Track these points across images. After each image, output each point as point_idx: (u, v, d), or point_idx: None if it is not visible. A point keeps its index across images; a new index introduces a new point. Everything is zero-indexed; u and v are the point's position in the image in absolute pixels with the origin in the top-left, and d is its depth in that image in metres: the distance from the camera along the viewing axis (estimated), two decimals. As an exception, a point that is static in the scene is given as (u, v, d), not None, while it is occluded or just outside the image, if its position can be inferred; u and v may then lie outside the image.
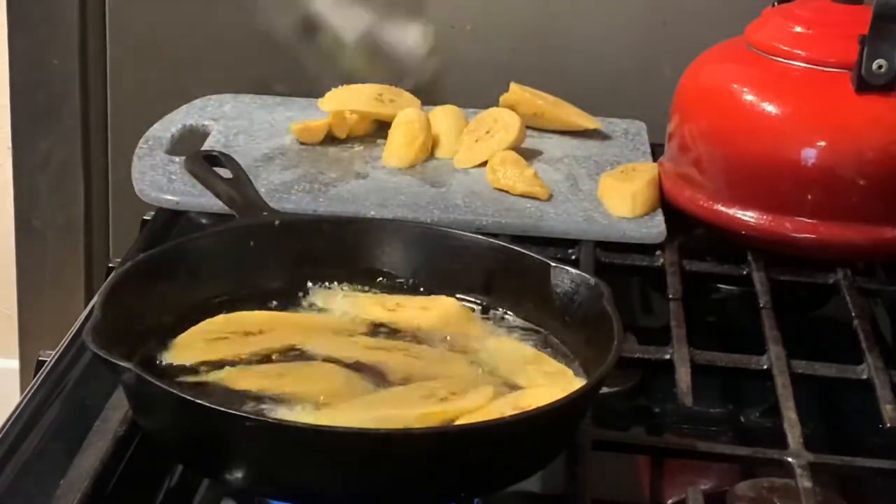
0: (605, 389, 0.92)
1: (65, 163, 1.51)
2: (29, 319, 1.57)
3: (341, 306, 0.96)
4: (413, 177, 1.23)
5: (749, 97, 1.14)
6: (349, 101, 1.30)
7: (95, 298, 0.86)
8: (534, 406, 0.81)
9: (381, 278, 0.98)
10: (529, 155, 1.27)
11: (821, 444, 0.91)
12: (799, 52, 1.14)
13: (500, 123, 1.27)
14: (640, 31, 1.44)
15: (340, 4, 1.45)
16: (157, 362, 0.87)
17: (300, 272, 0.97)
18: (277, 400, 0.84)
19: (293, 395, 0.84)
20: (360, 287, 0.98)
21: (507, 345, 0.93)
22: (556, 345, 0.92)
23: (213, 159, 1.07)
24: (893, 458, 0.91)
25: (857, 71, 1.10)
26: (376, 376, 0.88)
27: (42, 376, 0.95)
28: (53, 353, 0.99)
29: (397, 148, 1.26)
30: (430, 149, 1.27)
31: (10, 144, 1.50)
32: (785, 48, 1.15)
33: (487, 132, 1.27)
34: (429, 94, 1.36)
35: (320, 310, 0.95)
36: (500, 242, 0.99)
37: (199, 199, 1.13)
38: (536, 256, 0.95)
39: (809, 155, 1.11)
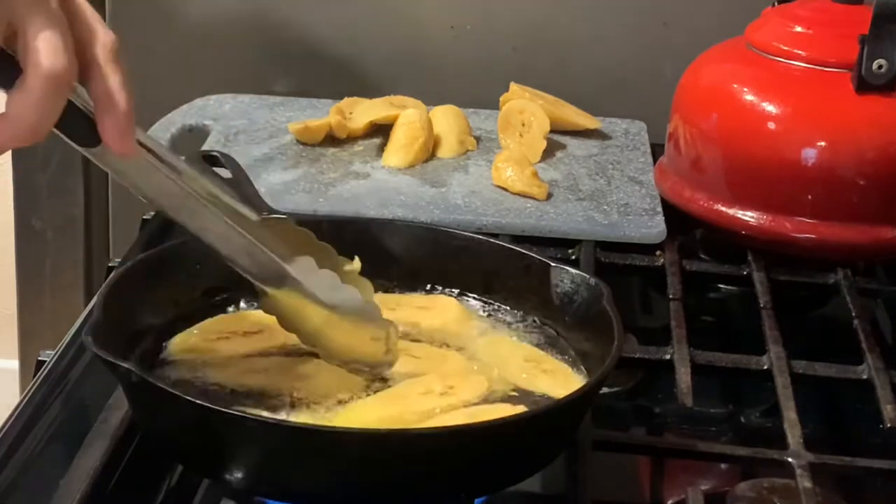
0: (605, 389, 0.92)
1: (65, 163, 1.51)
2: (29, 319, 1.57)
3: (341, 306, 0.96)
4: (413, 177, 1.23)
5: (749, 97, 1.14)
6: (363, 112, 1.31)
7: (95, 298, 0.86)
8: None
9: (380, 278, 0.98)
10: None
11: (821, 444, 0.91)
12: (799, 52, 1.14)
13: (528, 112, 1.28)
14: (640, 31, 1.44)
15: (341, 4, 1.45)
16: (157, 362, 0.87)
17: (300, 272, 0.97)
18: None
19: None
20: (359, 287, 0.98)
21: (507, 344, 0.93)
22: (556, 344, 0.92)
23: (213, 159, 1.07)
24: (893, 458, 0.91)
25: (857, 71, 1.10)
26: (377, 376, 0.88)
27: (42, 376, 0.95)
28: (53, 353, 0.99)
29: (398, 148, 1.26)
30: (431, 149, 1.27)
31: (10, 144, 1.50)
32: (785, 48, 1.15)
33: (524, 125, 1.27)
34: (429, 94, 1.35)
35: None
36: (500, 242, 0.98)
37: (199, 199, 1.13)
38: (536, 256, 0.95)
39: (809, 155, 1.12)
